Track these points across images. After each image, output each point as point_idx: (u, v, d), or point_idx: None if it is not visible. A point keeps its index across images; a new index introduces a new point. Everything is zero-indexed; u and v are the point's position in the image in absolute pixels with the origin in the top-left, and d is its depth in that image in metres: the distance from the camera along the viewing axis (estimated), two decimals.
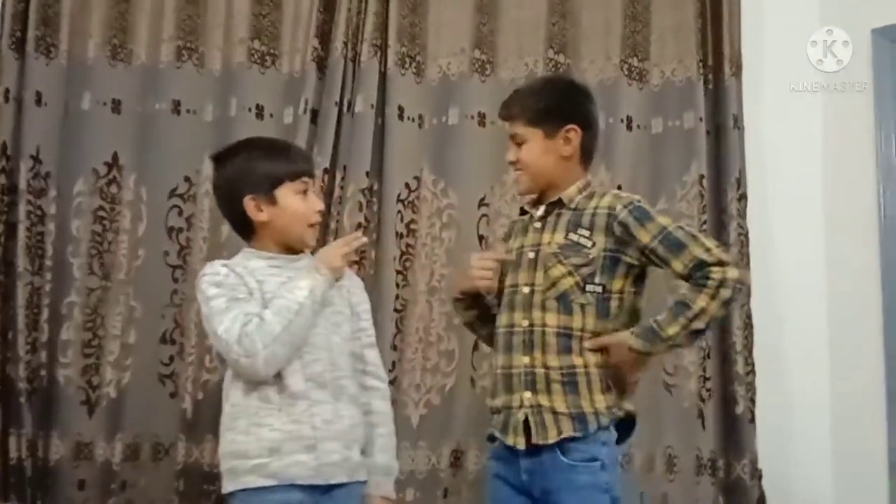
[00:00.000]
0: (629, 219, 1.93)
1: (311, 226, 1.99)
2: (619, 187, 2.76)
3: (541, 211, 2.03)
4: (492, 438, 2.02)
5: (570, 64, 2.86)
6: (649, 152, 2.83)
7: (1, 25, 2.73)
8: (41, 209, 2.71)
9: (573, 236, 1.96)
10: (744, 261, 2.72)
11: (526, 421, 1.91)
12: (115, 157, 2.78)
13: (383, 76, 2.81)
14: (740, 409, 2.66)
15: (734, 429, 2.67)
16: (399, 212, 2.77)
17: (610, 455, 1.92)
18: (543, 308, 1.94)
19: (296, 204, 1.95)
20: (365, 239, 2.05)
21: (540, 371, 1.92)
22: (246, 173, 1.95)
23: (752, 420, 2.66)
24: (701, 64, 2.81)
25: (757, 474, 2.64)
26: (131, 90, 2.80)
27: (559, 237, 1.97)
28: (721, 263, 1.86)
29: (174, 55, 2.81)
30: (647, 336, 1.89)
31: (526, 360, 1.94)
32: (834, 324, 2.78)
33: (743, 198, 2.75)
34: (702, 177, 2.75)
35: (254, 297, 1.89)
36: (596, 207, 1.98)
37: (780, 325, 2.78)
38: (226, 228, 2.73)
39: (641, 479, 2.68)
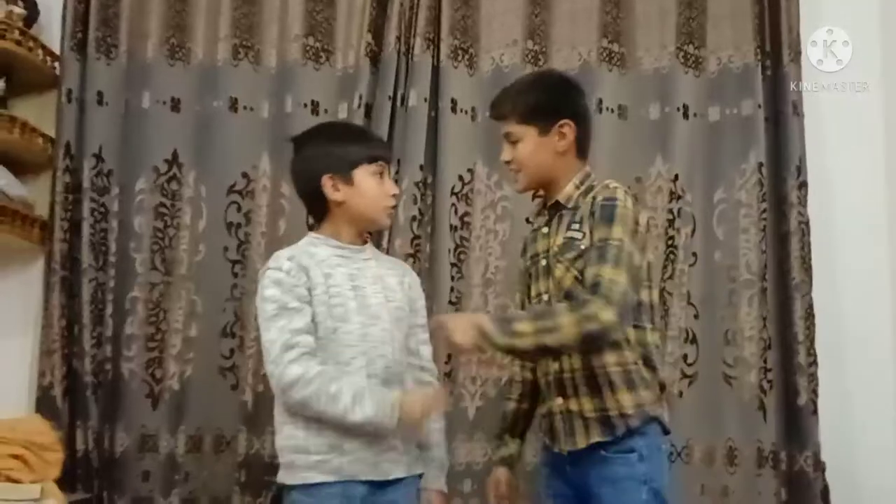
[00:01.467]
0: (596, 211, 1.89)
1: (386, 208, 2.03)
2: (677, 177, 2.74)
3: (545, 217, 2.04)
4: None
5: (624, 53, 2.83)
6: (707, 141, 2.78)
7: (63, 27, 2.81)
8: (104, 206, 2.77)
9: (569, 233, 1.94)
10: (805, 249, 2.67)
11: (563, 427, 1.94)
12: (174, 154, 2.83)
13: (436, 69, 2.81)
14: (802, 400, 2.61)
15: (796, 420, 2.62)
16: (453, 204, 2.78)
17: (649, 446, 1.90)
18: None
19: (372, 185, 2.00)
20: (445, 405, 2.06)
21: (567, 375, 1.93)
22: (325, 154, 2.00)
23: (815, 411, 2.61)
24: (758, 50, 2.75)
25: (820, 466, 2.59)
26: (189, 89, 2.85)
27: (559, 239, 1.97)
28: (608, 300, 1.77)
29: (231, 53, 2.85)
30: (501, 325, 1.79)
31: (556, 365, 1.96)
32: None
33: (803, 186, 2.69)
34: (761, 165, 2.70)
35: (309, 304, 1.90)
36: (590, 201, 1.95)
37: (843, 315, 2.72)
38: (283, 223, 2.77)
39: (702, 472, 2.65)
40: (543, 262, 2.00)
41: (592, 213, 1.90)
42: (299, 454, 1.89)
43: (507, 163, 2.04)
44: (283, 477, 1.94)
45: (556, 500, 2.02)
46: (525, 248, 2.14)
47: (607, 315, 1.77)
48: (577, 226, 1.93)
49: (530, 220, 2.12)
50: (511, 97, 2.04)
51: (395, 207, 2.09)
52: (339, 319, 1.93)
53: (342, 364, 1.91)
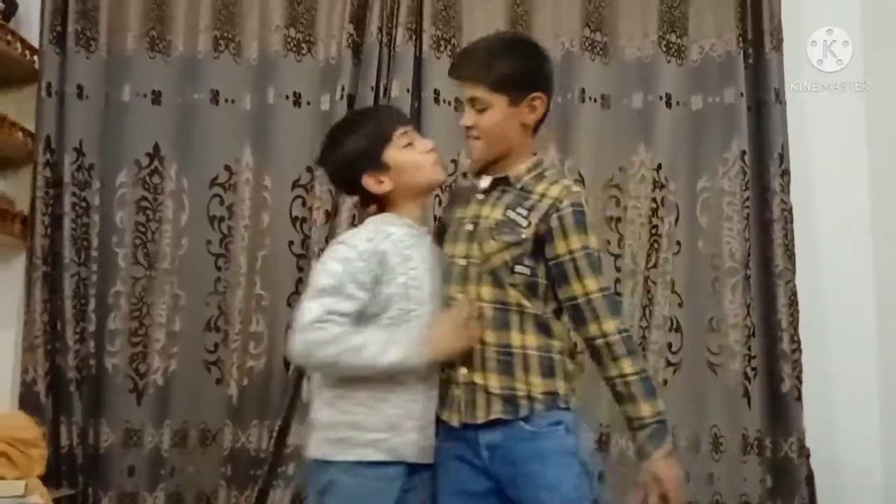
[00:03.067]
0: (569, 219, 1.82)
1: (432, 167, 1.95)
2: (660, 166, 2.74)
3: (486, 184, 1.92)
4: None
5: (607, 42, 2.83)
6: (690, 129, 2.79)
7: (41, 20, 2.78)
8: (86, 201, 2.75)
9: (511, 213, 1.85)
10: (788, 237, 2.68)
11: (462, 398, 1.83)
12: (156, 147, 2.81)
13: (418, 60, 2.80)
14: (786, 387, 2.63)
15: (780, 407, 2.64)
16: (437, 195, 2.77)
17: (575, 419, 1.83)
18: (479, 282, 1.85)
19: (407, 157, 1.93)
20: (475, 306, 1.84)
21: (477, 347, 1.82)
22: (350, 158, 1.93)
23: (799, 398, 2.63)
24: (741, 38, 2.76)
25: (804, 452, 2.62)
26: (170, 81, 2.83)
27: (497, 213, 1.86)
28: (610, 312, 1.81)
29: (211, 45, 2.83)
30: (662, 435, 1.79)
31: None
32: (881, 299, 2.74)
33: (786, 173, 2.71)
34: (743, 153, 2.72)
35: (369, 291, 1.84)
36: (543, 195, 1.86)
37: (826, 302, 2.74)
38: (266, 216, 2.76)
39: (688, 459, 2.65)
40: (469, 227, 1.88)
41: (559, 217, 1.82)
42: (355, 430, 1.84)
43: (468, 129, 1.89)
44: (328, 452, 1.86)
45: (459, 497, 1.86)
46: (451, 204, 2.02)
47: (615, 324, 1.80)
48: (523, 211, 1.84)
49: (466, 175, 2.01)
50: (483, 61, 1.89)
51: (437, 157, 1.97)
52: (418, 302, 1.89)
53: None
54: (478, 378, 1.82)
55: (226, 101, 2.83)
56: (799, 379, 2.63)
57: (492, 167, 1.93)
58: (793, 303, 2.66)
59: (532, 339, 1.83)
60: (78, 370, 2.68)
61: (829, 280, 2.76)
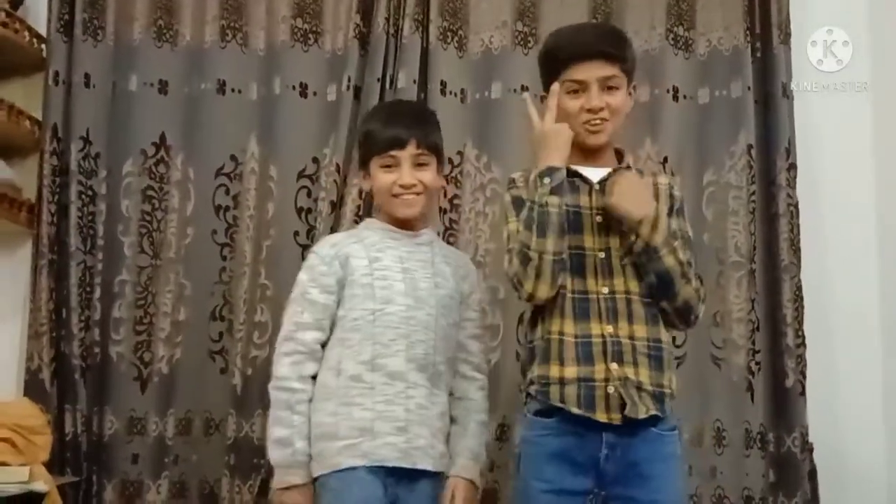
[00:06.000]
0: (679, 201, 1.94)
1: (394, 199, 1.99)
2: (666, 159, 2.74)
3: (602, 174, 1.90)
4: (545, 412, 1.86)
5: None
6: (696, 123, 2.78)
7: (49, 9, 2.79)
8: (92, 189, 2.76)
9: None
10: (793, 231, 2.67)
11: (620, 395, 1.78)
12: (162, 137, 2.81)
13: (425, 51, 2.79)
14: (790, 381, 2.62)
15: (784, 402, 2.64)
16: (443, 187, 2.76)
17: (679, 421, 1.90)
18: (624, 274, 1.84)
19: (378, 179, 1.99)
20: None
21: (626, 342, 1.81)
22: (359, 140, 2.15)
23: (803, 393, 2.62)
24: (748, 32, 2.75)
25: (808, 447, 2.61)
26: (177, 71, 2.83)
27: None
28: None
29: (218, 35, 2.83)
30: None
31: (609, 328, 1.82)
32: (886, 295, 2.73)
33: (792, 168, 2.69)
34: (750, 147, 2.70)
35: (335, 294, 1.93)
36: (656, 184, 1.92)
37: (831, 297, 2.73)
38: (271, 206, 2.77)
39: (690, 453, 2.64)
40: (598, 219, 1.86)
41: (671, 199, 1.92)
42: (328, 441, 1.87)
43: (598, 111, 1.85)
44: (315, 468, 1.89)
45: (549, 496, 1.82)
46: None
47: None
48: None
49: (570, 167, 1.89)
50: (623, 42, 1.91)
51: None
52: (384, 301, 1.93)
53: (381, 345, 1.90)
54: (629, 373, 1.80)
55: (232, 90, 2.83)
56: (803, 374, 2.62)
57: (592, 158, 1.92)
58: (798, 297, 2.65)
59: (667, 335, 1.88)
60: (83, 358, 2.69)
61: (834, 275, 2.75)
